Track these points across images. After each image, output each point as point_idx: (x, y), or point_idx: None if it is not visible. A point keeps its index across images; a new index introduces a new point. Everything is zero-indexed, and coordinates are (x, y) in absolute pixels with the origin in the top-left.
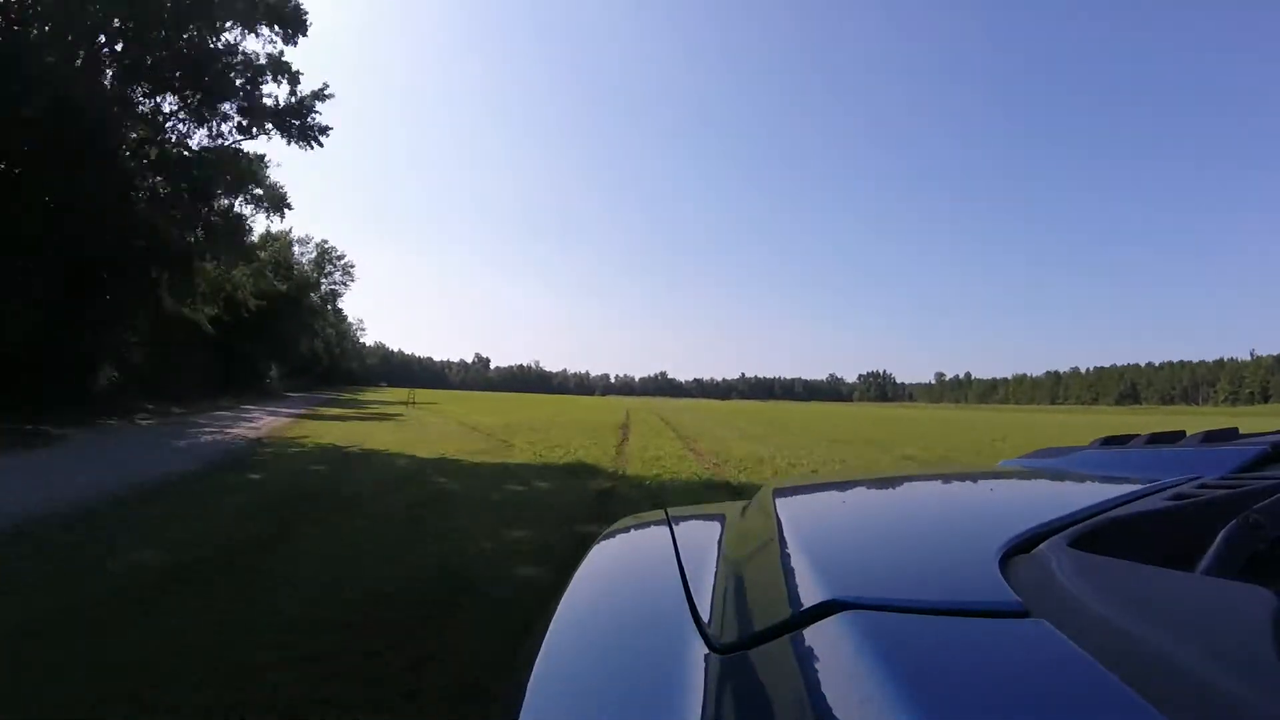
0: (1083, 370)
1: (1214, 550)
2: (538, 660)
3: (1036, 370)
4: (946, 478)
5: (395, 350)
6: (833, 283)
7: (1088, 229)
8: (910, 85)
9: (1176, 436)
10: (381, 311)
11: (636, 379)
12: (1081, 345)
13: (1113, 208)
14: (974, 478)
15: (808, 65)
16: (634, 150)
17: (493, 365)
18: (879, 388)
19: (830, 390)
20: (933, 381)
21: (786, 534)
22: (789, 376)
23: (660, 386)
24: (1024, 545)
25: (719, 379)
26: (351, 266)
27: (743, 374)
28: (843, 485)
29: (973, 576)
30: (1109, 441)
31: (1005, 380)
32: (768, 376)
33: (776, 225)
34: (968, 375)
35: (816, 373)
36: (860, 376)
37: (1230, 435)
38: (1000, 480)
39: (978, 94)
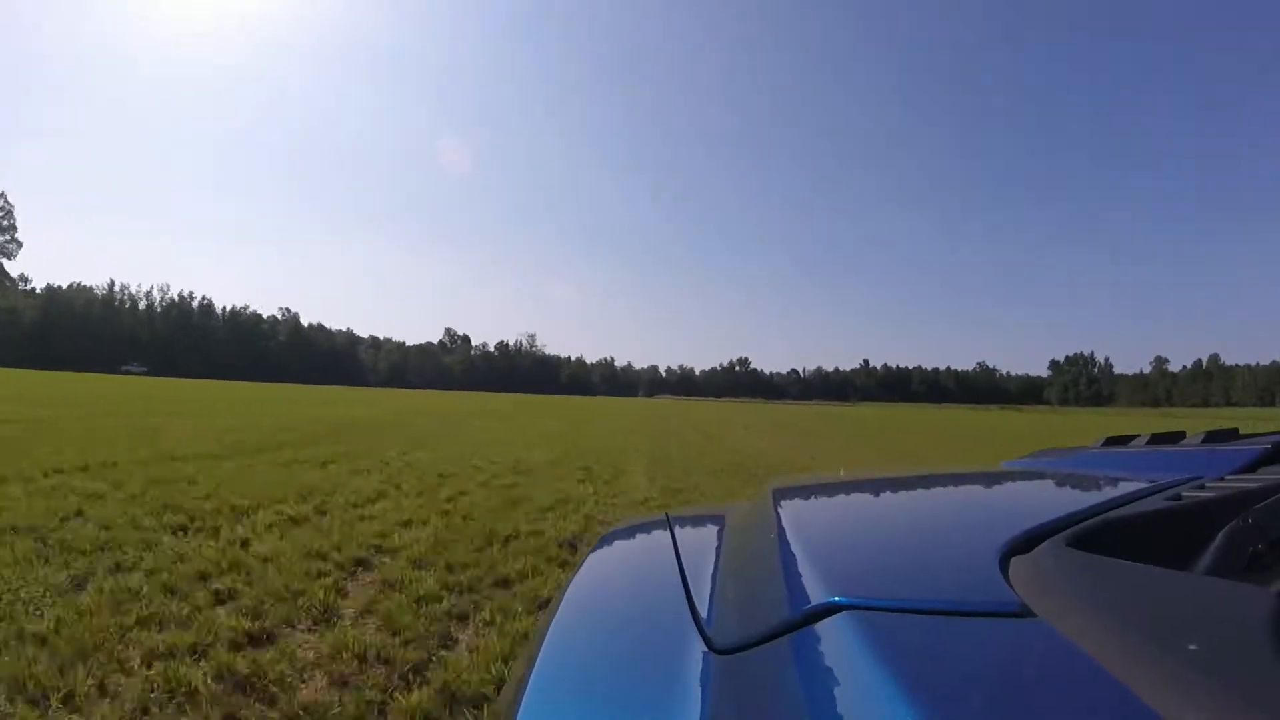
0: None
1: (1214, 550)
2: (537, 661)
3: None
4: (947, 478)
5: (245, 310)
6: (978, 248)
7: None
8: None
9: (1177, 437)
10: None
11: (698, 372)
12: None
13: None
14: (974, 478)
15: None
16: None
17: (475, 346)
18: (1089, 383)
19: (987, 385)
20: (1148, 370)
21: (787, 534)
22: (928, 366)
23: (738, 383)
24: (1024, 545)
25: (829, 370)
26: None
27: (865, 361)
28: (843, 485)
29: (973, 577)
30: (1110, 441)
31: None
32: (903, 366)
33: (904, 175)
34: (1213, 359)
35: (961, 360)
36: (1053, 364)
37: (1230, 436)
38: (1001, 480)
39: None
